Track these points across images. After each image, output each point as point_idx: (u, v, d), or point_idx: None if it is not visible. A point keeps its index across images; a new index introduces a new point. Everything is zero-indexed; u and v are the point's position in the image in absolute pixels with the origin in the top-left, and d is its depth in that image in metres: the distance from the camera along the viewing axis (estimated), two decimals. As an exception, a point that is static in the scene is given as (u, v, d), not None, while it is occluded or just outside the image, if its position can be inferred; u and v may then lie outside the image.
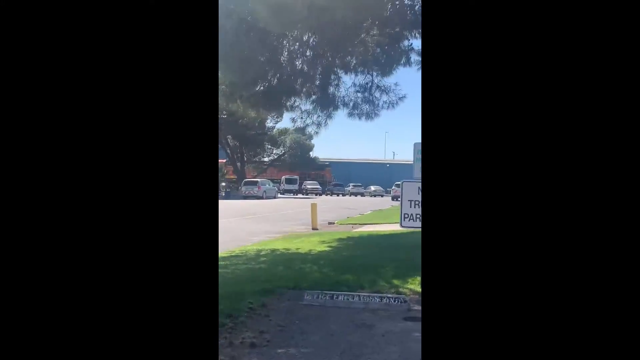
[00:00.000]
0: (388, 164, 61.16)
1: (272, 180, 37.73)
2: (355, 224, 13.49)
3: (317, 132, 8.20)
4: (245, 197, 30.04)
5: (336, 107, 7.88)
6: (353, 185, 44.54)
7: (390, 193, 34.82)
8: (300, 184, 42.66)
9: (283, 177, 41.80)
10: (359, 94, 8.44)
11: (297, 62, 7.20)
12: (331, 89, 7.89)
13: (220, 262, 6.50)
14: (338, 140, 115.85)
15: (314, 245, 8.30)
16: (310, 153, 44.09)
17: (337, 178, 50.49)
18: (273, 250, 7.67)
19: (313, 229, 12.24)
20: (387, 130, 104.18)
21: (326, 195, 41.46)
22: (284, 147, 43.47)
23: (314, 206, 12.69)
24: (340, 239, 9.18)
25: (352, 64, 7.33)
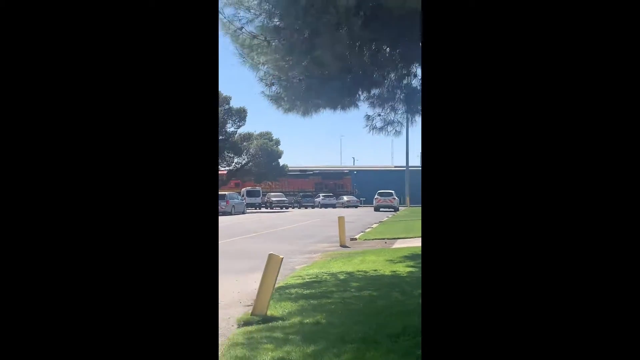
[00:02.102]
0: (355, 171, 61.50)
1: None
2: (383, 239, 13.18)
3: (398, 133, 7.67)
4: (211, 214, 28.97)
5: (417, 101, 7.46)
6: (324, 196, 44.23)
7: (372, 203, 34.72)
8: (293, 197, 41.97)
9: (244, 190, 40.78)
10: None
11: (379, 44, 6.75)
12: (409, 79, 7.49)
13: (307, 290, 6.02)
14: (295, 146, 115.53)
15: (385, 265, 7.96)
16: (279, 161, 43.10)
17: (306, 188, 50.10)
18: (350, 274, 7.20)
19: (341, 246, 11.81)
20: (342, 134, 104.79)
21: (293, 208, 40.86)
22: (247, 154, 42.39)
23: (341, 220, 12.27)
24: (405, 257, 8.84)
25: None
